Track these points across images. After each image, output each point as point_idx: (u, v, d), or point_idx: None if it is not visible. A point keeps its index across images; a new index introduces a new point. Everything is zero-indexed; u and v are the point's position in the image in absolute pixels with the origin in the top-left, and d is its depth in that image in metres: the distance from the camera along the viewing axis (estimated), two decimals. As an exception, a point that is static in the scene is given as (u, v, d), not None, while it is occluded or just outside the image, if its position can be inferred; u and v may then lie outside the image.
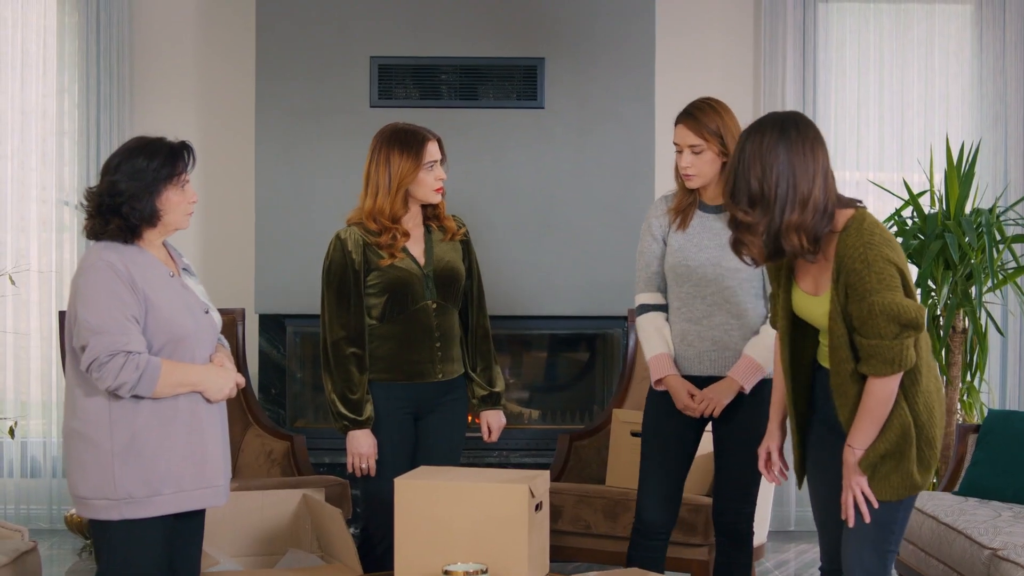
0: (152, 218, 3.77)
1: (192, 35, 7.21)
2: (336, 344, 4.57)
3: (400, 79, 6.72)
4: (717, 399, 4.43)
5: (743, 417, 4.47)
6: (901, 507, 3.76)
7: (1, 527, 4.81)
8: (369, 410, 4.57)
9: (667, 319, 4.59)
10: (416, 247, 4.66)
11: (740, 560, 4.58)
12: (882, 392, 3.62)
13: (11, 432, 6.65)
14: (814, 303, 3.74)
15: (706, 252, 4.48)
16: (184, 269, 3.95)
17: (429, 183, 4.60)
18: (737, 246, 3.72)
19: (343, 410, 4.55)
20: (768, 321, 4.36)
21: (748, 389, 4.43)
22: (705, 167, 4.44)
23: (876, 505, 3.70)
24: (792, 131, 3.60)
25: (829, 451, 3.87)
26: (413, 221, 4.67)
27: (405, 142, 4.58)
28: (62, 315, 5.52)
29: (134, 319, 3.68)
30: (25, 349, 7.14)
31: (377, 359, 4.61)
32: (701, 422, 4.54)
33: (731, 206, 3.65)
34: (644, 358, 4.61)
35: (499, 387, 4.81)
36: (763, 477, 4.15)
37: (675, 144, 4.49)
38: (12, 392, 7.14)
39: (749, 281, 4.47)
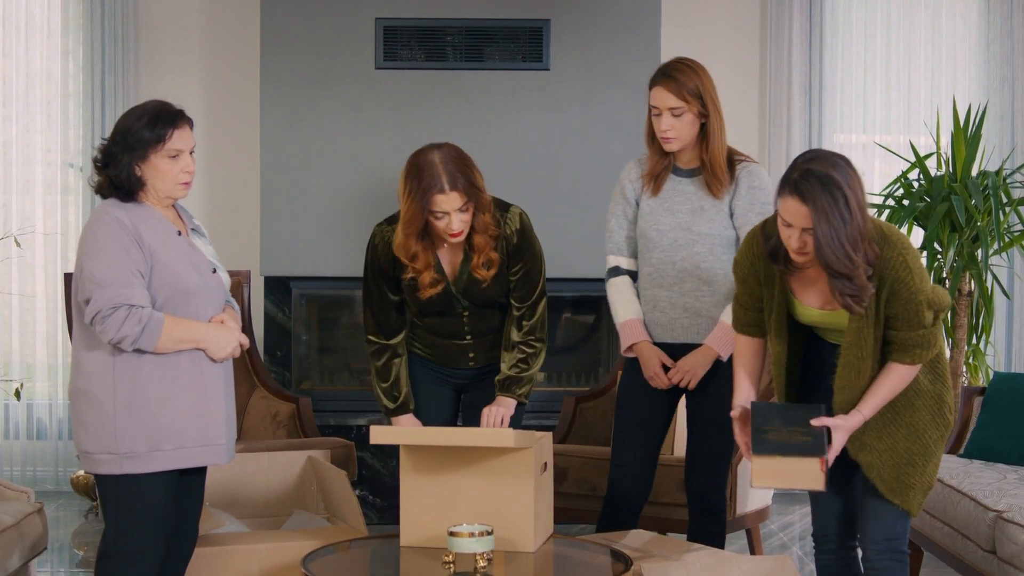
0: (131, 182, 3.74)
1: (196, -3, 7.19)
2: (368, 340, 4.61)
3: (406, 41, 6.68)
4: (693, 370, 4.38)
5: (717, 389, 4.40)
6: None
7: (7, 489, 4.82)
8: (404, 394, 4.60)
9: (636, 284, 4.53)
10: (452, 258, 4.48)
11: (712, 530, 4.51)
12: (909, 375, 3.71)
13: (17, 394, 6.67)
14: (829, 317, 3.73)
15: (677, 217, 4.39)
16: (193, 229, 3.93)
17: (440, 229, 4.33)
18: (854, 302, 3.58)
19: (382, 399, 4.62)
20: (733, 323, 3.96)
21: (725, 356, 4.35)
22: (685, 129, 4.34)
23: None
24: (838, 174, 3.51)
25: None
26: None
27: (418, 177, 4.30)
28: (67, 277, 5.53)
29: (139, 273, 3.68)
30: (31, 312, 7.16)
31: (416, 337, 4.64)
32: (677, 391, 4.48)
33: (850, 272, 3.50)
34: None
35: (520, 391, 4.53)
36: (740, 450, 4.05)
37: (653, 107, 4.38)
38: (18, 354, 7.17)
39: (721, 247, 4.39)
